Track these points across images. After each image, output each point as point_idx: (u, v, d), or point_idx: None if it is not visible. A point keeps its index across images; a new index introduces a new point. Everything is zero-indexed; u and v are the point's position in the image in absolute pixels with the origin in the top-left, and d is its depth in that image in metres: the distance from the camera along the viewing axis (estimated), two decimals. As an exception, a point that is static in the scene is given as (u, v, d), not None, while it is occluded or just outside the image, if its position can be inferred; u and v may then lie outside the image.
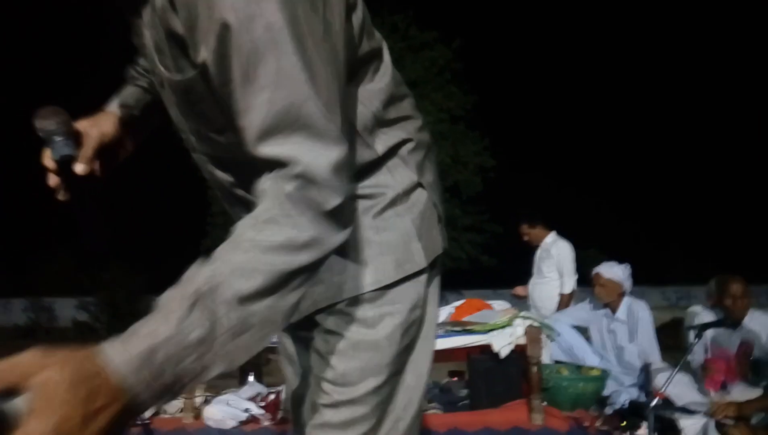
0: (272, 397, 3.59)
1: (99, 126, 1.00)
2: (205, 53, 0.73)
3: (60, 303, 12.82)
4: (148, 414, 3.55)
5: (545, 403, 3.44)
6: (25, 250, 17.53)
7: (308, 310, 0.91)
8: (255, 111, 0.71)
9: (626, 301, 3.88)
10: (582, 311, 4.16)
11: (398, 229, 0.92)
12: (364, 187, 0.92)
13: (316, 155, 0.71)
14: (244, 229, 0.71)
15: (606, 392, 3.66)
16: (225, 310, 0.66)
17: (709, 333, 3.21)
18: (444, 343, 3.04)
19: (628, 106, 23.25)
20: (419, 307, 0.95)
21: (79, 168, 0.94)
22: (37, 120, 0.90)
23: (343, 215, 0.75)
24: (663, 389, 2.70)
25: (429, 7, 12.85)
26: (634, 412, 3.01)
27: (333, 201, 0.72)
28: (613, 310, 3.92)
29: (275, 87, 0.70)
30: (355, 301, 0.91)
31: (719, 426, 2.52)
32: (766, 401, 2.86)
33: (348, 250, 0.89)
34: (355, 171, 0.89)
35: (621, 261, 3.99)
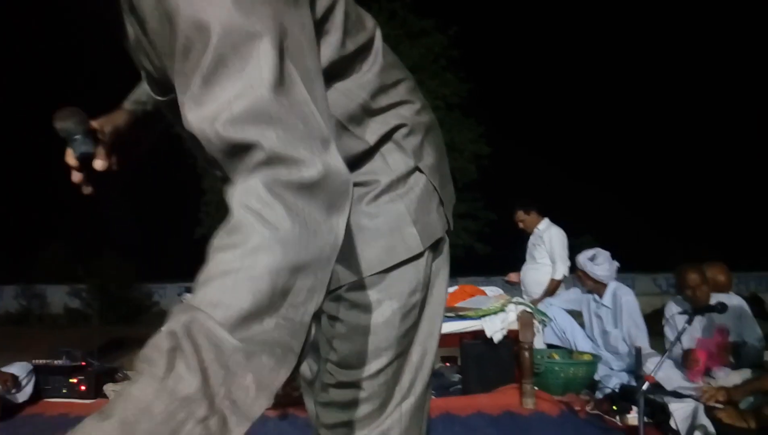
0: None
1: (113, 123, 1.03)
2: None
3: (52, 290, 12.77)
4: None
5: (537, 388, 3.47)
6: (18, 238, 17.46)
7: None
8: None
9: (611, 286, 3.90)
10: (573, 295, 4.20)
11: (391, 214, 0.92)
12: (358, 174, 0.91)
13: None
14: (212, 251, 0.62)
15: (596, 377, 3.70)
16: (212, 349, 0.55)
17: (686, 327, 3.25)
18: (436, 329, 3.05)
19: (622, 94, 23.26)
20: (419, 291, 0.95)
21: (98, 164, 0.97)
22: (56, 121, 0.94)
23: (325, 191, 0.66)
24: (653, 373, 2.72)
25: (427, -6, 12.76)
26: (625, 397, 3.03)
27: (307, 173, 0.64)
28: (600, 296, 3.95)
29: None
30: (353, 286, 0.92)
31: (708, 410, 2.54)
32: (753, 385, 2.89)
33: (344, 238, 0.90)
34: (347, 163, 0.79)
35: (612, 248, 4.00)
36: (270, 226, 0.61)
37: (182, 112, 0.67)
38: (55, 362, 3.82)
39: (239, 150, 0.64)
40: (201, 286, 0.60)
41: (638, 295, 4.09)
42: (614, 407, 3.05)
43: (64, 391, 3.69)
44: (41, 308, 12.54)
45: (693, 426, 2.42)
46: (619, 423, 2.94)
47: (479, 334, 3.38)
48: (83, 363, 3.84)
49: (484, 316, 3.26)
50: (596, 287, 3.95)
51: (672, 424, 2.50)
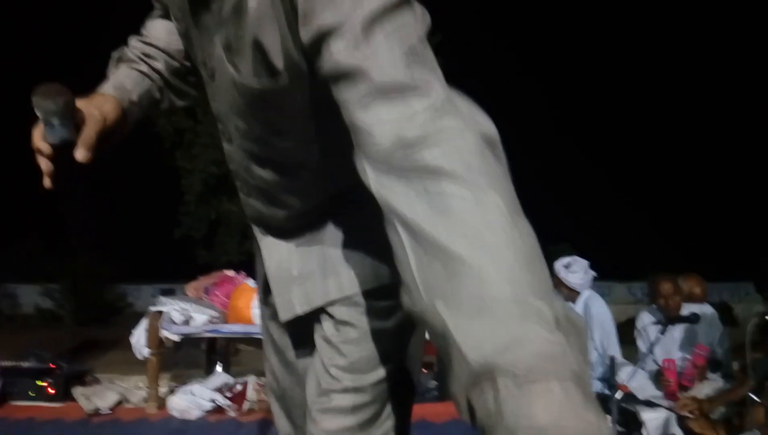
0: (239, 388, 3.55)
1: (101, 110, 0.92)
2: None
3: (23, 289, 12.50)
4: (111, 403, 3.49)
5: (512, 396, 3.46)
6: (-12, 235, 17.06)
7: (322, 301, 0.94)
8: None
9: (584, 295, 3.92)
10: None
11: None
12: None
13: None
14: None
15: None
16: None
17: (659, 337, 3.28)
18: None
19: (598, 103, 23.57)
20: None
21: (80, 154, 0.85)
22: (36, 97, 0.81)
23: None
24: (626, 383, 2.75)
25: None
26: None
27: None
28: (573, 304, 3.97)
29: None
30: (369, 293, 0.94)
31: (680, 419, 2.57)
32: (726, 397, 2.93)
33: (366, 246, 0.93)
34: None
35: (589, 256, 4.03)
36: None
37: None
38: (23, 364, 3.73)
39: None
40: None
41: (613, 304, 4.12)
42: (588, 416, 3.07)
43: (31, 393, 3.60)
44: (12, 308, 12.25)
45: (665, 435, 2.44)
46: (592, 431, 2.96)
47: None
48: (52, 365, 3.75)
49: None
50: (570, 295, 3.97)
51: (644, 433, 2.52)
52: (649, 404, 2.96)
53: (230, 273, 4.06)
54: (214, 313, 3.60)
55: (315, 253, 0.97)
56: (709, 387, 3.27)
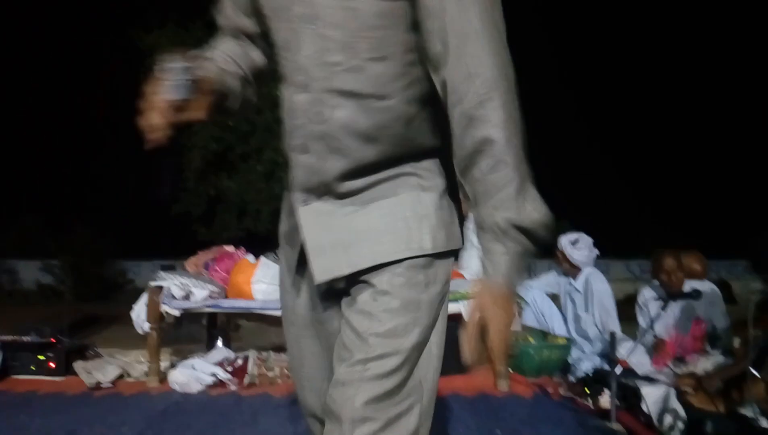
0: (240, 362, 3.56)
1: (220, 77, 1.07)
2: None
3: (23, 265, 12.52)
4: (112, 377, 3.51)
5: (511, 370, 3.49)
6: (-13, 211, 17.03)
7: (368, 263, 1.01)
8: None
9: (585, 272, 3.93)
10: (552, 278, 4.22)
11: (449, 211, 1.08)
12: (437, 168, 1.08)
13: None
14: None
15: (570, 360, 3.73)
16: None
17: (660, 313, 3.29)
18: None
19: (596, 78, 23.39)
20: (448, 283, 1.08)
21: (197, 114, 0.99)
22: (170, 57, 0.94)
23: None
24: (626, 358, 2.75)
25: None
26: (598, 380, 3.07)
27: None
28: (574, 279, 3.98)
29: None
30: (410, 266, 1.01)
31: (679, 394, 2.58)
32: (726, 372, 2.94)
33: (413, 218, 1.03)
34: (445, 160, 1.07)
35: (588, 234, 4.02)
36: None
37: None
38: (24, 338, 3.74)
39: None
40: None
41: (612, 281, 4.12)
42: (587, 390, 3.09)
43: (32, 368, 3.62)
44: (12, 284, 12.28)
45: (664, 409, 2.45)
46: (591, 406, 2.98)
47: (457, 317, 3.38)
48: (53, 340, 3.76)
49: (462, 299, 3.26)
50: (572, 271, 3.97)
51: (643, 407, 2.54)
52: (649, 379, 2.98)
53: (230, 248, 4.04)
54: (214, 288, 3.60)
55: (360, 220, 1.03)
56: (708, 362, 3.29)
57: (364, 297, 1.01)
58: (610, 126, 23.17)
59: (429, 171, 1.07)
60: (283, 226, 1.19)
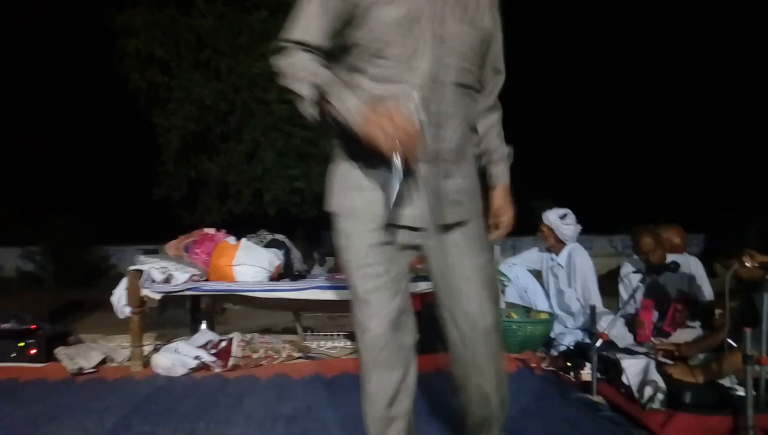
0: (224, 344, 3.55)
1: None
2: (495, 11, 1.56)
3: (3, 252, 12.35)
4: (95, 362, 3.48)
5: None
6: (-35, 198, 16.68)
7: (456, 219, 1.54)
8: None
9: (568, 247, 3.96)
10: (534, 254, 4.25)
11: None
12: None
13: None
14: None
15: (552, 334, 3.77)
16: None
17: (639, 286, 3.34)
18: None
19: (580, 56, 23.41)
20: None
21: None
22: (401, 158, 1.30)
23: None
24: (606, 331, 2.78)
25: None
26: (579, 354, 3.10)
27: None
28: (557, 254, 4.01)
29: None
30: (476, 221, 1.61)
31: (659, 365, 2.62)
32: (705, 343, 2.99)
33: (475, 189, 1.61)
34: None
35: (572, 210, 4.04)
36: None
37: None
38: (3, 326, 3.69)
39: None
40: None
41: (595, 256, 4.16)
42: (569, 364, 3.12)
43: (13, 355, 3.58)
44: (-8, 271, 12.11)
45: (644, 381, 2.49)
46: (573, 379, 3.02)
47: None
48: (33, 326, 3.72)
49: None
50: (556, 246, 3.99)
51: (624, 379, 2.57)
52: (629, 352, 3.02)
53: (210, 231, 4.00)
54: (195, 271, 3.57)
55: (457, 185, 1.53)
56: (689, 335, 3.34)
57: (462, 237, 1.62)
58: (590, 105, 23.26)
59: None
60: (356, 200, 1.48)
